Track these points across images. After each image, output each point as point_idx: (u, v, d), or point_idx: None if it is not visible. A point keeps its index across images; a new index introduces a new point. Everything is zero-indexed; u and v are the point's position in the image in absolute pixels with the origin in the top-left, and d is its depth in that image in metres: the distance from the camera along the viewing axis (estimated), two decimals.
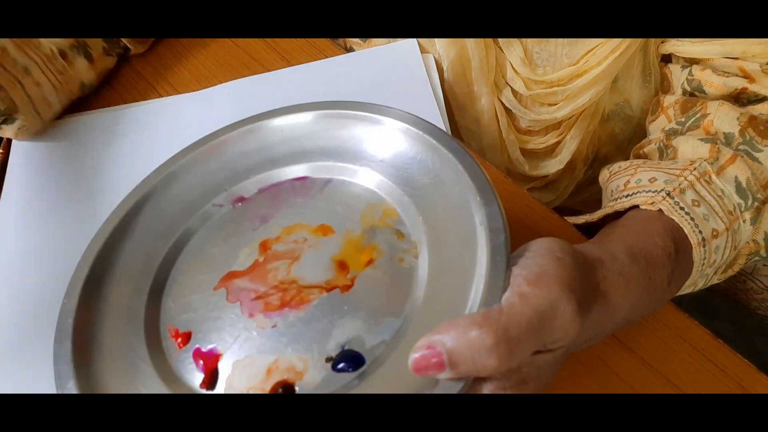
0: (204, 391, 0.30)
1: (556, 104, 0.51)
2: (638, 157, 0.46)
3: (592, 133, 0.54)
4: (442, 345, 0.25)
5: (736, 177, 0.37)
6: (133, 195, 0.37)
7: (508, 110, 0.52)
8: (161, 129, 0.51)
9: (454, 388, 0.26)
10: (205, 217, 0.38)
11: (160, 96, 0.53)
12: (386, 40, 0.53)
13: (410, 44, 0.51)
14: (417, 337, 0.28)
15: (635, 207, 0.37)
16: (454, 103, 0.53)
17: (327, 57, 0.53)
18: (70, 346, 0.31)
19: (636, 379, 0.37)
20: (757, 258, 0.40)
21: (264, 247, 0.35)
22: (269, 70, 0.53)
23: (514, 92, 0.51)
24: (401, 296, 0.31)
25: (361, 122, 0.38)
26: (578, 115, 0.51)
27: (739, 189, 0.37)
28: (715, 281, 0.40)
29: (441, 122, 0.47)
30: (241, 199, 0.38)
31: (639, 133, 0.54)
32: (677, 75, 0.48)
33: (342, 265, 0.33)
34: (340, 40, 0.57)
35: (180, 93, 0.53)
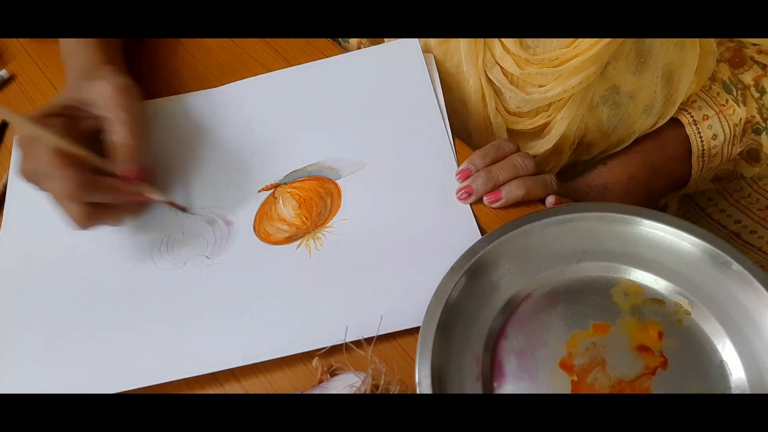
0: None
1: (546, 85, 0.51)
2: None
3: (580, 118, 0.54)
4: None
5: None
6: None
7: (497, 91, 0.52)
8: (161, 129, 0.51)
9: None
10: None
11: (160, 96, 0.53)
12: (386, 39, 0.53)
13: (410, 44, 0.51)
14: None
15: None
16: (441, 85, 0.52)
17: (327, 57, 0.53)
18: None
19: None
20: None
21: (566, 367, 0.36)
22: (269, 70, 0.53)
23: (504, 72, 0.51)
24: (710, 349, 0.35)
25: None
26: (568, 97, 0.51)
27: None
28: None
29: (442, 122, 0.47)
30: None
31: (625, 120, 0.55)
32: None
33: (644, 348, 0.36)
34: (340, 40, 0.57)
35: (180, 93, 0.53)
